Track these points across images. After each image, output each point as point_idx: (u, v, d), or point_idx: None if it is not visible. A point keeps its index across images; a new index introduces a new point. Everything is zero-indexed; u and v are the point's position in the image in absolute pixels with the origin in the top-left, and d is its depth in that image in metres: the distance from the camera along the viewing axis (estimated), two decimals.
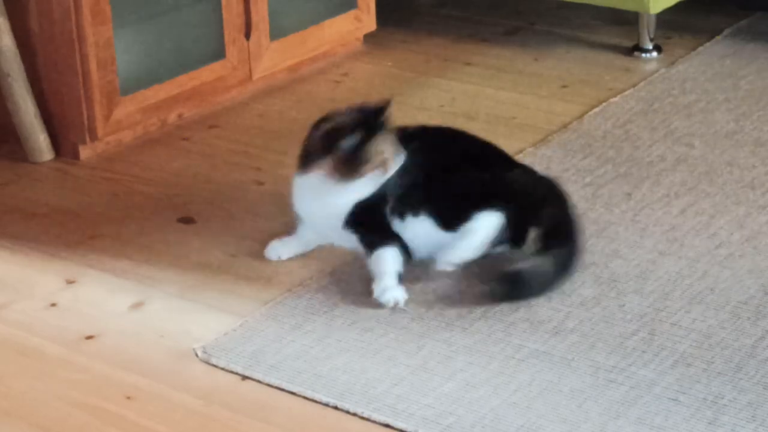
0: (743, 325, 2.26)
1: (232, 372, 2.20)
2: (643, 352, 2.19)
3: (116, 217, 2.74)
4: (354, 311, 2.35)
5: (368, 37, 3.60)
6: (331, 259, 2.53)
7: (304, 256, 2.54)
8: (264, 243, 2.58)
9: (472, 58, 3.52)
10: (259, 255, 2.56)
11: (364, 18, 3.53)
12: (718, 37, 3.56)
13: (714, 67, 3.36)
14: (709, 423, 2.01)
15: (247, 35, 3.23)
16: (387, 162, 2.38)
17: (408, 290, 2.37)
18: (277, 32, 3.31)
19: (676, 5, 3.45)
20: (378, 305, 2.34)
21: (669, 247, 2.52)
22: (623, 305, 2.33)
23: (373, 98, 3.27)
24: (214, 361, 2.22)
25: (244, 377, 2.18)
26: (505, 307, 2.33)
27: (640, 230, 2.59)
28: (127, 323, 2.36)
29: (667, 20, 3.55)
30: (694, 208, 2.67)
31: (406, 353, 2.22)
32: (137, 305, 2.41)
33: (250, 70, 3.26)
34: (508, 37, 3.66)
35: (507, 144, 2.99)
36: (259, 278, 2.48)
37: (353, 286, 2.43)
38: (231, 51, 3.20)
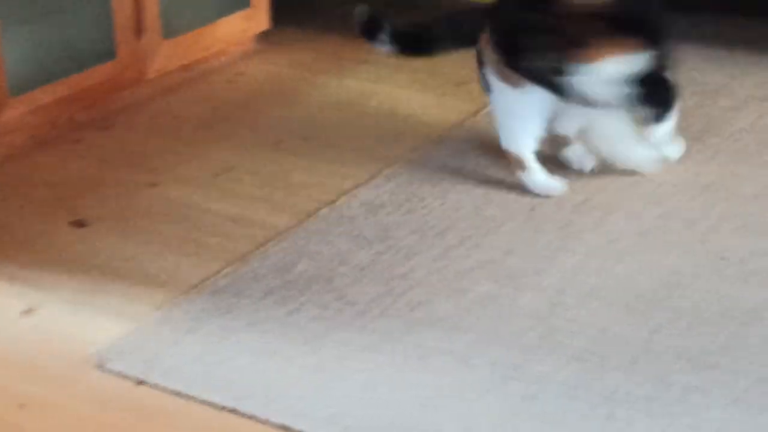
0: (637, 319, 2.28)
1: (127, 377, 2.17)
2: (540, 348, 2.21)
3: (6, 221, 2.69)
4: (250, 313, 2.33)
5: (263, 36, 3.59)
6: (227, 259, 2.51)
7: (200, 257, 2.52)
8: (159, 245, 2.55)
9: (367, 56, 3.51)
10: (153, 258, 2.53)
11: (258, 16, 3.51)
12: None
13: None
14: (606, 418, 2.03)
15: (139, 35, 3.19)
16: None
17: (305, 291, 2.36)
18: (169, 31, 3.27)
19: None
20: (275, 305, 2.33)
21: (564, 243, 2.54)
22: (520, 302, 2.35)
23: (269, 96, 3.27)
24: (109, 366, 2.19)
25: (140, 382, 2.16)
26: (402, 306, 2.33)
27: (535, 227, 2.61)
28: (19, 330, 2.31)
29: None
30: (587, 204, 2.69)
31: (303, 354, 2.21)
32: (29, 311, 2.37)
33: (142, 70, 3.22)
34: None
35: (403, 142, 3.01)
36: (154, 281, 2.45)
37: (249, 287, 2.41)
38: (123, 51, 3.16)
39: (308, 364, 2.18)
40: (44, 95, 3.01)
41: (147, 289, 2.43)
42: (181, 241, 2.60)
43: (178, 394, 2.12)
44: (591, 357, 2.18)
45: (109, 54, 3.13)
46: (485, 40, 2.66)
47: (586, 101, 2.59)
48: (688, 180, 2.78)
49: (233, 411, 2.07)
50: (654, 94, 2.65)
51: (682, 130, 2.94)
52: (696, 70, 3.33)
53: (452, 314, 2.31)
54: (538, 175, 2.72)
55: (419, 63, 3.46)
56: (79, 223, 2.67)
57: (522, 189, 2.74)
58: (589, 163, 2.80)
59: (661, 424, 2.00)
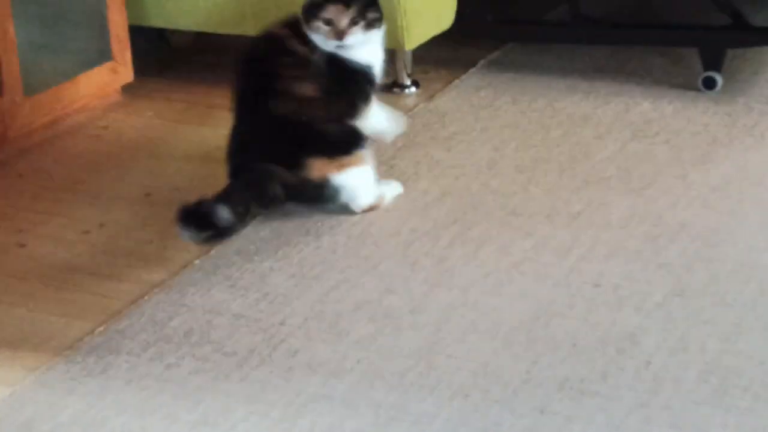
0: (516, 351, 2.30)
1: None
2: (422, 386, 2.21)
3: None
4: (128, 370, 2.30)
5: (127, 88, 3.55)
6: (101, 317, 2.47)
7: (73, 317, 2.48)
8: (29, 308, 2.50)
9: None
10: (25, 320, 2.48)
11: (121, 69, 3.47)
12: (473, 69, 3.64)
13: (471, 99, 3.43)
14: None
15: (0, 93, 3.14)
16: None
17: (183, 344, 2.34)
18: (31, 89, 3.22)
19: (429, 40, 3.51)
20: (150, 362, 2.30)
21: (440, 279, 2.56)
22: (399, 341, 2.35)
23: (136, 149, 3.23)
24: None
25: None
26: (282, 353, 2.32)
27: (411, 264, 2.62)
28: None
29: (422, 55, 3.61)
30: (461, 238, 2.71)
31: (185, 409, 2.18)
32: None
33: (4, 130, 3.17)
34: None
35: None
36: (26, 344, 2.40)
37: (125, 344, 2.37)
38: None
39: (191, 419, 2.16)
40: None
41: (20, 352, 2.38)
42: (53, 301, 2.55)
43: None
44: (473, 392, 2.19)
45: None
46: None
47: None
48: (558, 209, 2.82)
49: None
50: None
51: (551, 159, 2.98)
52: (560, 100, 3.39)
53: (332, 358, 2.30)
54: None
55: None
56: None
57: (397, 226, 2.75)
58: None
59: None
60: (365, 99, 2.77)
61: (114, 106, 3.50)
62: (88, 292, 2.58)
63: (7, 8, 3.12)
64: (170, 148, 3.24)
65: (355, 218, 2.81)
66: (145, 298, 2.54)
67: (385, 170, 3.03)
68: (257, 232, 2.77)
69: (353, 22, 2.69)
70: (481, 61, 3.69)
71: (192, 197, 2.93)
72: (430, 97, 3.48)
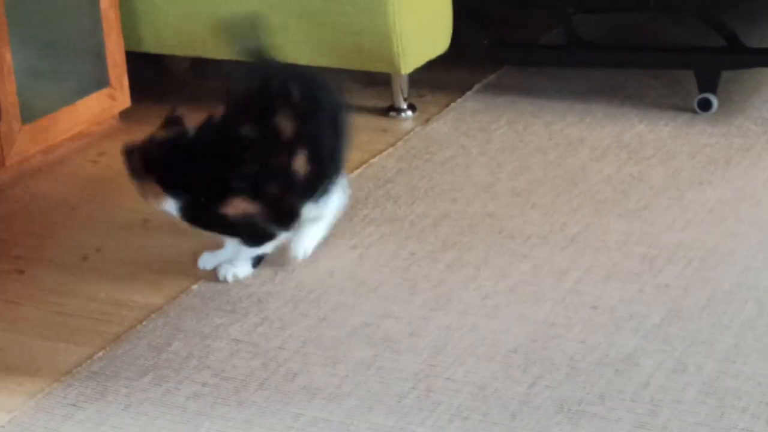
0: (514, 373, 2.30)
1: None
2: (421, 409, 2.21)
3: None
4: (127, 395, 2.30)
5: (124, 114, 3.56)
6: (100, 342, 2.47)
7: (72, 342, 2.48)
8: (28, 333, 2.51)
9: None
10: (24, 346, 2.48)
11: (118, 95, 3.48)
12: (469, 93, 3.65)
13: (467, 122, 3.44)
14: None
15: None
16: None
17: (181, 369, 2.34)
18: (28, 115, 3.23)
19: (426, 64, 3.52)
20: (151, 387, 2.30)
21: (438, 302, 2.56)
22: (398, 364, 2.35)
23: None
24: None
25: None
26: (280, 378, 2.32)
27: (409, 288, 2.62)
28: None
29: (418, 79, 3.62)
30: (459, 261, 2.72)
31: None
32: None
33: (2, 156, 3.17)
34: None
35: None
36: (26, 370, 2.40)
37: (124, 369, 2.37)
38: None
39: None
40: None
41: (19, 378, 2.38)
42: (52, 327, 2.55)
43: None
44: (471, 414, 2.19)
45: None
46: None
47: None
48: (555, 232, 2.82)
49: None
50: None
51: (547, 181, 2.99)
52: (556, 123, 3.40)
53: (330, 382, 2.30)
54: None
55: None
56: None
57: (395, 250, 2.76)
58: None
59: None
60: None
61: (111, 132, 3.51)
62: (86, 317, 2.58)
63: (4, 34, 3.13)
64: None
65: (352, 242, 2.82)
66: (144, 323, 2.54)
67: (382, 194, 3.04)
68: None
69: None
70: (477, 85, 3.70)
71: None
72: (427, 121, 3.49)
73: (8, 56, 3.15)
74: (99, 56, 3.44)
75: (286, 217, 2.63)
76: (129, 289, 2.68)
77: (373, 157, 3.27)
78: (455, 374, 2.31)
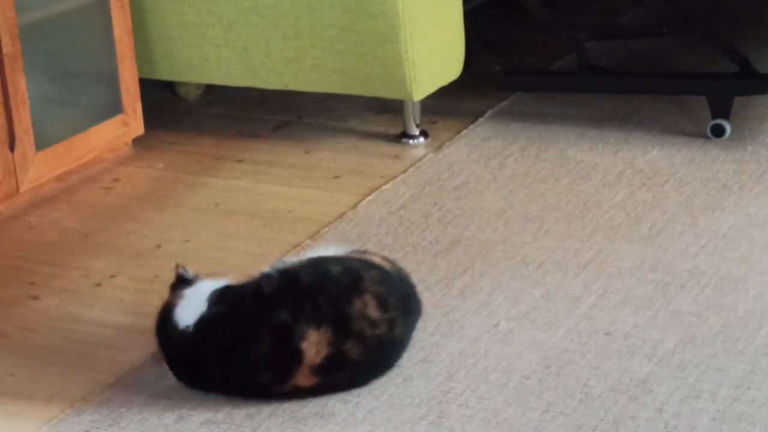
0: (527, 399, 2.30)
1: None
2: None
3: None
4: (140, 421, 2.30)
5: (137, 141, 3.57)
6: (113, 369, 2.47)
7: (86, 369, 2.48)
8: (42, 360, 2.51)
9: (243, 154, 3.52)
10: (38, 372, 2.48)
11: (131, 122, 3.50)
12: (481, 119, 3.66)
13: (480, 149, 3.45)
14: None
15: (12, 147, 3.16)
16: None
17: (194, 395, 2.34)
18: (42, 142, 3.25)
19: (437, 90, 3.53)
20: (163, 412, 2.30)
21: (451, 329, 2.56)
22: (411, 390, 2.35)
23: (147, 201, 3.25)
24: None
25: None
26: (293, 404, 2.32)
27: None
28: None
29: (430, 106, 3.63)
30: (471, 288, 2.72)
31: None
32: None
33: (16, 183, 3.18)
34: (278, 132, 3.68)
35: (285, 238, 3.01)
36: (39, 396, 2.41)
37: (138, 396, 2.37)
38: None
39: None
40: None
41: (32, 404, 2.38)
42: (66, 353, 2.56)
43: None
44: None
45: None
46: None
47: None
48: (568, 258, 2.82)
49: None
50: None
51: (560, 207, 2.99)
52: (568, 149, 3.40)
53: (344, 408, 2.30)
54: None
55: (295, 159, 3.47)
56: None
57: (415, 276, 2.75)
58: None
59: None
60: None
61: (125, 159, 3.52)
62: (100, 343, 2.59)
63: (18, 62, 3.15)
64: (181, 200, 3.25)
65: None
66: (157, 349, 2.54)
67: (394, 220, 3.05)
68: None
69: None
70: (489, 111, 3.71)
71: (203, 249, 2.95)
72: (439, 147, 3.49)
73: (23, 84, 3.17)
74: (112, 83, 3.46)
75: None
76: (143, 315, 2.68)
77: (386, 183, 3.27)
78: (468, 400, 2.31)
